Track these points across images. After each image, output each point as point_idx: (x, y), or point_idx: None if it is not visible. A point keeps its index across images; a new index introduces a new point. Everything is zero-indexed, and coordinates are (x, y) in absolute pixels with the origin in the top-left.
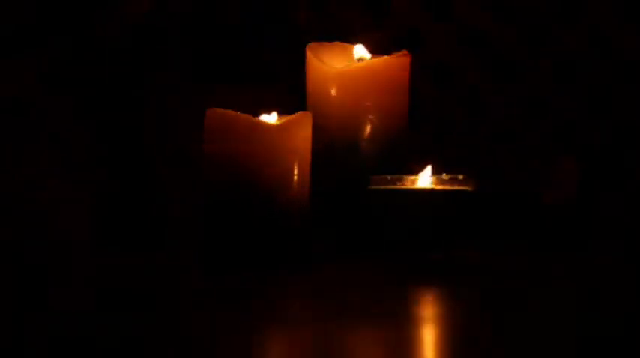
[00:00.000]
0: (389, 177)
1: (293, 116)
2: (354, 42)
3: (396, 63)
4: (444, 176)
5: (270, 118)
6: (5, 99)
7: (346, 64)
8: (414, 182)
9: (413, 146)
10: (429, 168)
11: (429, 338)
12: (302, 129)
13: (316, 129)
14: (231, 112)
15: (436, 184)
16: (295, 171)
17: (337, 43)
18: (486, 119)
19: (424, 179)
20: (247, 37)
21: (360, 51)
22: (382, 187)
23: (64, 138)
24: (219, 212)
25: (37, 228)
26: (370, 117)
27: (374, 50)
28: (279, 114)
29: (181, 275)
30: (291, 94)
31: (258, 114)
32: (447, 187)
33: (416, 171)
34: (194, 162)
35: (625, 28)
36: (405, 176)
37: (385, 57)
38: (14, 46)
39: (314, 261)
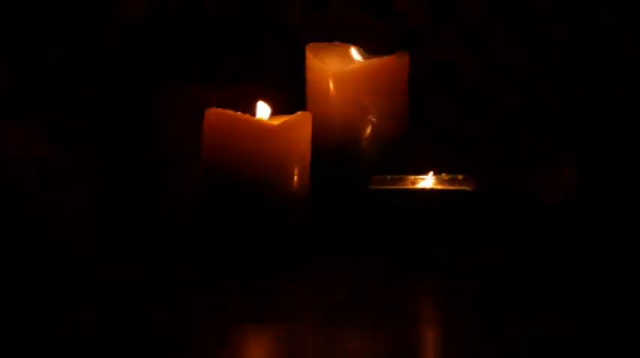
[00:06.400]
0: (389, 177)
1: (293, 116)
2: (354, 42)
3: (396, 63)
4: (444, 176)
5: (264, 114)
6: (5, 98)
7: (346, 64)
8: (414, 182)
9: (412, 146)
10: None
11: (428, 338)
12: (302, 129)
13: (316, 129)
14: (230, 112)
15: (436, 184)
16: (295, 171)
17: (337, 43)
18: (486, 119)
19: (427, 181)
20: (247, 37)
21: (355, 54)
22: (382, 187)
23: (65, 137)
24: (219, 211)
25: (38, 228)
26: (370, 117)
27: (374, 50)
28: (279, 114)
29: (181, 274)
30: (291, 94)
31: (253, 112)
32: (447, 187)
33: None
34: (194, 162)
35: (625, 27)
36: (405, 176)
37: (385, 57)
38: (14, 45)
39: (314, 260)
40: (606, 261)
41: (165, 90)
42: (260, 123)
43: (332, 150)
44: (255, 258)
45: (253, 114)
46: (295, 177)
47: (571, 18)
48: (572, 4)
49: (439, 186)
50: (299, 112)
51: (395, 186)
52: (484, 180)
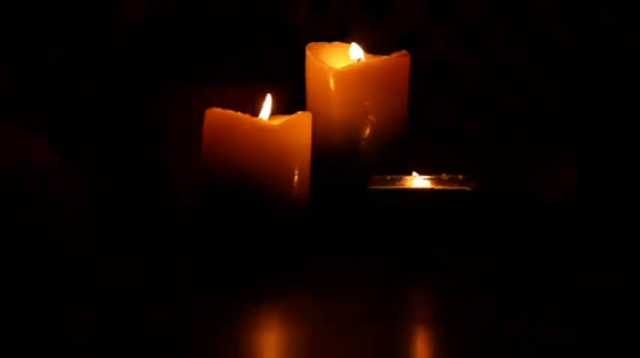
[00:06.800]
0: (389, 176)
1: (293, 116)
2: (354, 42)
3: (396, 63)
4: (444, 176)
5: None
6: (5, 98)
7: (346, 64)
8: (413, 182)
9: (412, 146)
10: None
11: (428, 338)
12: (302, 129)
13: (316, 129)
14: (231, 112)
15: (436, 184)
16: (295, 171)
17: (337, 43)
18: (486, 119)
19: (418, 182)
20: (247, 37)
21: (355, 51)
22: (382, 187)
23: (65, 137)
24: (219, 212)
25: (38, 228)
26: (370, 117)
27: (374, 50)
28: (279, 114)
29: (181, 274)
30: (291, 94)
31: (256, 113)
32: (447, 187)
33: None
34: (194, 162)
35: (625, 27)
36: (404, 176)
37: (385, 57)
38: (14, 45)
39: (313, 260)
40: (606, 260)
41: (165, 90)
42: (260, 123)
43: (332, 150)
44: (255, 258)
45: (259, 108)
46: (295, 177)
47: (571, 18)
48: (572, 4)
49: (439, 186)
50: (299, 112)
51: (395, 186)
52: (484, 180)
